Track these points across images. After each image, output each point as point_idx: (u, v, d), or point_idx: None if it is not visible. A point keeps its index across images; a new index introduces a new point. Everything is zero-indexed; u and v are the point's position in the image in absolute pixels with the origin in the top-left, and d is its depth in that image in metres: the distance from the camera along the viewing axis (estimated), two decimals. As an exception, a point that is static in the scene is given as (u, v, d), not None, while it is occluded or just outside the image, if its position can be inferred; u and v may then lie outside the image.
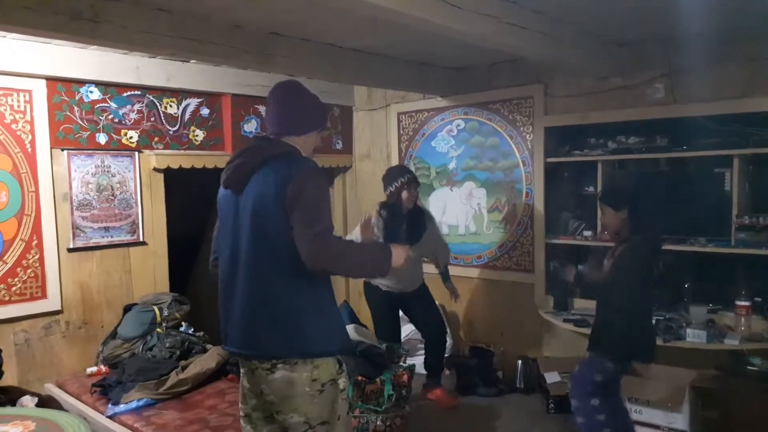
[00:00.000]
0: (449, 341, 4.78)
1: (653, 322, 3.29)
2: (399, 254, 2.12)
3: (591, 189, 4.26)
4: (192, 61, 4.28)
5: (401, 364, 3.43)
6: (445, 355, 4.66)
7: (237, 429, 2.75)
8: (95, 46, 3.77)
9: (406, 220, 3.99)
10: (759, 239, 3.47)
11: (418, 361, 4.42)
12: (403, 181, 3.94)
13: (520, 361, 4.38)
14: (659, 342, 3.51)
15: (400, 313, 4.28)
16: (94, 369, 3.81)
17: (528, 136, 4.45)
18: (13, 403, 3.25)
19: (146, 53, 3.37)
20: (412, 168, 5.15)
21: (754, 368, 3.21)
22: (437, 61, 4.46)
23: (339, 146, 5.47)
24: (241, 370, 2.21)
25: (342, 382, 2.12)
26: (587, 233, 4.23)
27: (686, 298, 3.77)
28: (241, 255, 2.07)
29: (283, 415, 2.06)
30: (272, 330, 2.02)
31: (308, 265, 1.96)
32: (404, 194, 3.94)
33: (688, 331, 3.44)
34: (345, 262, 2.03)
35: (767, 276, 3.55)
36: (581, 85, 4.16)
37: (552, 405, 3.95)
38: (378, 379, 3.24)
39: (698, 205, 3.83)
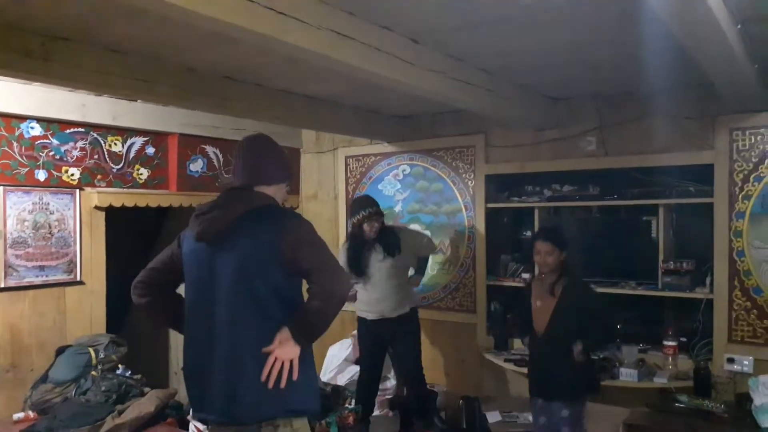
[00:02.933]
0: (392, 381, 4.81)
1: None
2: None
3: (528, 234, 4.47)
4: (139, 101, 4.26)
5: (347, 406, 3.43)
6: (387, 398, 4.69)
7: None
8: (38, 83, 3.71)
9: (375, 243, 4.04)
10: (682, 283, 3.73)
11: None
12: (365, 214, 3.98)
13: (462, 401, 4.44)
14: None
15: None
16: (21, 415, 3.59)
17: (470, 182, 4.64)
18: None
19: (98, 93, 3.34)
20: (358, 210, 5.25)
21: (682, 405, 3.40)
22: (384, 108, 4.62)
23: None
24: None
25: None
26: (525, 275, 4.40)
27: (618, 339, 3.97)
28: (220, 313, 1.99)
29: None
30: (261, 390, 1.93)
31: (336, 293, 1.95)
32: (365, 227, 4.00)
33: (621, 370, 3.63)
34: (336, 312, 2.02)
35: (691, 317, 3.81)
36: (519, 137, 4.40)
37: (494, 444, 4.01)
38: (323, 421, 3.23)
39: (628, 251, 4.09)
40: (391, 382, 4.84)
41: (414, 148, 4.91)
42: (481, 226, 4.61)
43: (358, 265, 4.04)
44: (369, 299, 4.10)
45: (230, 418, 1.98)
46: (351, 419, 3.38)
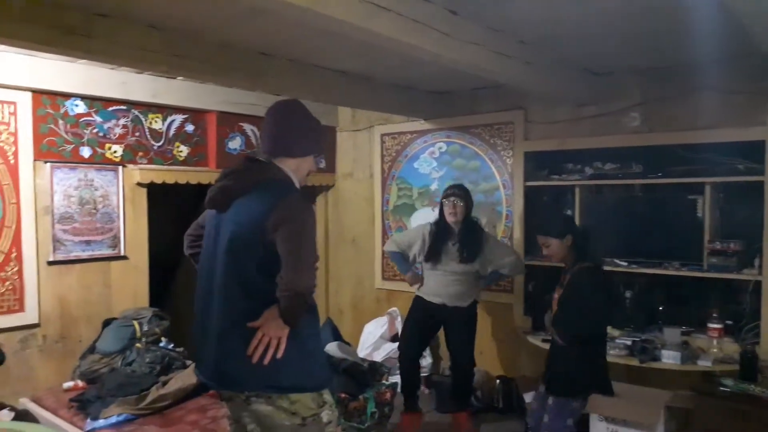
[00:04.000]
0: (429, 360, 4.82)
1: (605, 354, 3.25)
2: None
3: (569, 212, 4.37)
4: (179, 78, 4.31)
5: (384, 382, 3.45)
6: (423, 375, 4.71)
7: (220, 444, 2.77)
8: (83, 60, 3.79)
9: (456, 236, 3.95)
10: (729, 264, 3.60)
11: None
12: (447, 192, 3.98)
13: (498, 381, 4.43)
14: (635, 363, 3.62)
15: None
16: (70, 384, 3.75)
17: (508, 159, 4.56)
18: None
19: (136, 69, 3.39)
20: (394, 188, 5.23)
21: (727, 389, 3.30)
22: (421, 84, 4.57)
23: (322, 165, 5.52)
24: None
25: (326, 415, 2.02)
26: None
27: (660, 321, 3.88)
28: (216, 279, 2.00)
29: None
30: (244, 362, 1.91)
31: (284, 289, 1.89)
32: (446, 205, 3.95)
33: (663, 352, 3.54)
34: (305, 302, 1.96)
35: (738, 300, 3.68)
36: (559, 113, 4.29)
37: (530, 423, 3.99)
38: (361, 397, 3.26)
39: (672, 231, 3.96)
40: (427, 360, 4.85)
41: (451, 125, 4.84)
42: (519, 205, 4.53)
43: (434, 251, 3.96)
44: (432, 288, 4.02)
45: (219, 384, 2.03)
46: (388, 395, 3.40)
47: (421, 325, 4.08)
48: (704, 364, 3.47)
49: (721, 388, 3.32)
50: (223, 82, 3.72)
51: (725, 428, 3.25)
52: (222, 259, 1.99)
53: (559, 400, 3.05)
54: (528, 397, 4.11)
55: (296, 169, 2.13)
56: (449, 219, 3.95)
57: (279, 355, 1.92)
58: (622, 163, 4.08)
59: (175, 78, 4.30)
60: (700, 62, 3.60)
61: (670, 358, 3.50)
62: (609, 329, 3.99)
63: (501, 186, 4.61)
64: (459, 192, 3.96)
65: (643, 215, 4.10)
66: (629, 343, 3.68)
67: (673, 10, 2.67)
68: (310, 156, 2.17)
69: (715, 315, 3.61)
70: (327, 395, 2.07)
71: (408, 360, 4.06)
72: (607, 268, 4.01)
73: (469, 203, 4.00)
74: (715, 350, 3.57)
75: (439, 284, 3.99)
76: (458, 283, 3.96)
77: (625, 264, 3.98)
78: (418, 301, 4.13)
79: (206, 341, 2.01)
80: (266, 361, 1.91)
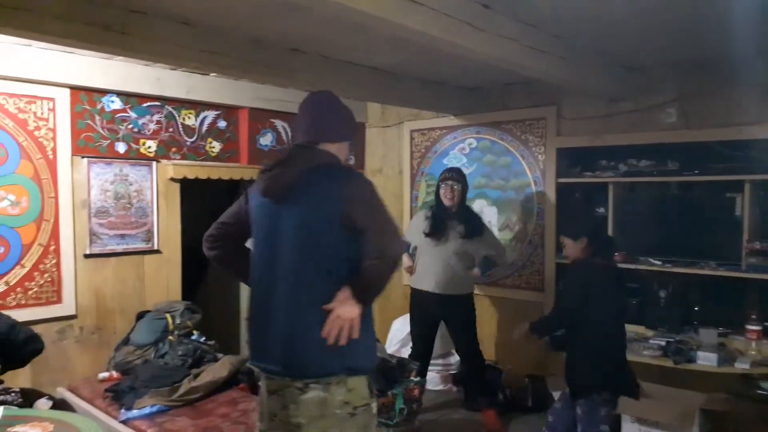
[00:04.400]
0: (456, 357, 4.79)
1: (624, 355, 3.20)
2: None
3: (602, 210, 4.30)
4: (212, 75, 4.37)
5: (412, 378, 3.45)
6: (451, 373, 4.70)
7: (250, 436, 2.80)
8: (119, 57, 3.86)
9: (453, 217, 4.07)
10: (770, 264, 3.50)
11: (428, 376, 4.46)
12: (444, 176, 4.13)
13: (528, 380, 4.39)
14: (670, 364, 3.54)
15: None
16: (105, 374, 3.83)
17: (540, 156, 4.50)
18: (30, 405, 3.28)
19: (170, 65, 3.44)
20: (423, 184, 5.22)
21: (764, 392, 3.21)
22: (451, 80, 4.54)
23: (351, 161, 5.54)
24: (263, 390, 2.13)
25: (375, 406, 2.08)
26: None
27: (696, 322, 3.79)
28: (282, 267, 2.01)
29: None
30: (321, 347, 1.93)
31: (375, 257, 1.94)
32: (441, 191, 4.09)
33: (699, 353, 3.46)
34: (396, 268, 2.05)
35: (778, 301, 3.58)
36: (593, 108, 4.22)
37: (560, 424, 3.94)
38: (389, 393, 3.26)
39: (709, 229, 3.86)
40: (455, 358, 4.84)
41: (481, 121, 4.80)
42: (551, 202, 4.47)
43: (438, 226, 4.06)
44: (427, 270, 4.08)
45: (288, 370, 1.99)
46: (416, 391, 3.39)
47: (423, 323, 4.19)
48: (742, 366, 3.38)
49: (759, 392, 3.24)
50: (254, 78, 3.75)
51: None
52: (290, 246, 2.00)
53: (587, 406, 3.01)
54: (557, 395, 4.07)
55: (337, 154, 2.16)
56: (446, 202, 4.07)
57: (355, 335, 1.95)
58: (658, 160, 3.99)
59: (208, 74, 4.36)
60: (739, 56, 3.50)
61: (705, 360, 3.42)
62: (642, 329, 3.94)
63: (532, 183, 4.56)
64: (456, 176, 4.10)
65: (679, 214, 4.00)
66: (663, 343, 3.61)
67: (711, 1, 2.60)
68: (346, 142, 2.22)
69: (753, 316, 3.52)
70: (374, 388, 2.11)
71: (422, 356, 4.12)
72: (641, 267, 3.97)
73: (465, 187, 4.13)
74: (753, 352, 3.48)
75: (436, 266, 4.02)
76: (454, 266, 4.02)
77: (659, 263, 3.91)
78: (414, 295, 4.19)
79: (273, 329, 2.02)
80: (343, 342, 1.93)
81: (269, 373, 2.08)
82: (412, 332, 4.28)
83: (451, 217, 4.08)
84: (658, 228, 4.08)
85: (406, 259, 4.18)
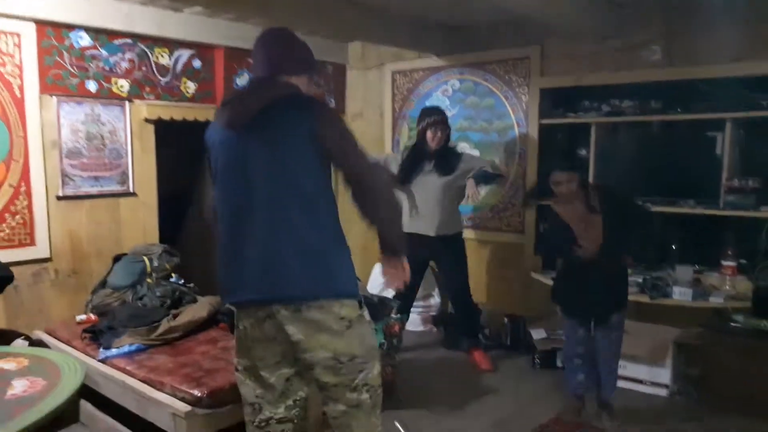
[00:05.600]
0: (437, 299, 4.84)
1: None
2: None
3: (584, 152, 4.29)
4: (185, 11, 4.19)
5: (392, 315, 3.46)
6: (432, 314, 4.74)
7: (230, 372, 2.78)
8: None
9: (434, 157, 3.98)
10: (747, 201, 3.54)
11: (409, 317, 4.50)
12: (429, 121, 3.97)
13: (506, 319, 4.45)
14: (645, 299, 3.60)
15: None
16: (83, 317, 3.78)
17: (523, 97, 4.45)
18: (7, 345, 3.23)
19: None
20: (405, 128, 5.15)
21: (737, 325, 3.30)
22: (435, 17, 4.42)
23: (331, 105, 5.43)
24: (243, 322, 2.12)
25: (366, 314, 2.12)
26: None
27: (673, 259, 3.84)
28: (256, 197, 1.99)
29: (310, 352, 2.02)
30: (303, 270, 1.96)
31: (373, 191, 2.01)
32: (428, 134, 3.96)
33: (675, 288, 3.52)
34: (391, 194, 2.11)
35: (753, 238, 3.63)
36: (578, 47, 4.16)
37: (538, 360, 4.03)
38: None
39: (689, 169, 3.89)
40: (435, 300, 4.88)
41: (465, 62, 4.72)
42: (533, 144, 4.45)
43: (407, 174, 3.99)
44: (420, 215, 4.04)
45: (276, 296, 1.99)
46: (397, 327, 3.42)
47: (412, 264, 4.04)
48: (716, 300, 3.45)
49: (732, 324, 3.32)
50: (229, 11, 3.59)
51: (735, 364, 3.26)
52: (264, 175, 1.98)
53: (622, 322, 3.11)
54: (536, 334, 4.14)
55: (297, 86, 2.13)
56: (432, 145, 3.97)
57: (406, 278, 2.22)
58: (641, 100, 3.97)
59: (181, 11, 4.19)
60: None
61: (681, 295, 3.48)
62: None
63: (515, 124, 4.52)
64: (441, 119, 3.99)
65: (660, 154, 4.03)
66: (640, 280, 3.65)
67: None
68: (305, 76, 2.18)
69: (729, 253, 3.57)
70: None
71: (406, 297, 4.08)
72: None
73: (449, 128, 4.05)
74: (727, 287, 3.55)
75: (423, 208, 3.99)
76: (439, 210, 3.97)
77: (639, 203, 3.91)
78: (409, 237, 4.08)
79: (250, 260, 2.00)
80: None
81: (254, 305, 2.06)
82: None
83: (427, 158, 4.00)
84: (639, 168, 4.10)
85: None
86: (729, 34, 3.57)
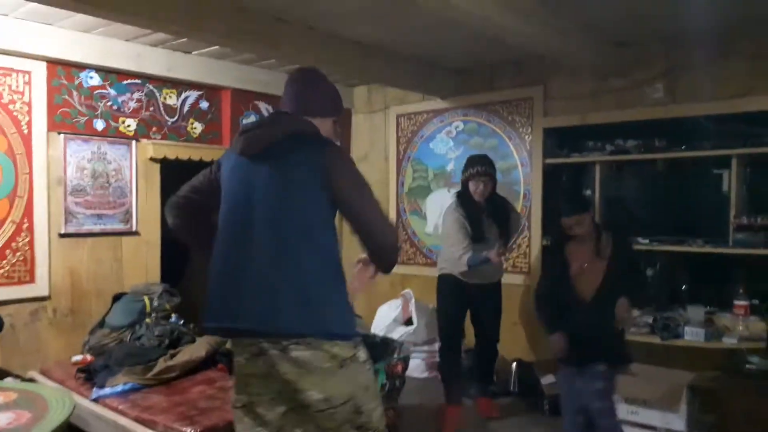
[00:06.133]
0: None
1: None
2: None
3: (589, 192, 4.26)
4: (194, 53, 4.29)
5: (395, 355, 3.36)
6: (437, 360, 4.60)
7: (226, 411, 2.69)
8: (98, 31, 3.77)
9: (485, 211, 3.77)
10: (757, 239, 3.47)
11: (413, 363, 4.37)
12: (472, 172, 3.72)
13: (515, 364, 4.31)
14: (657, 340, 3.49)
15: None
16: (79, 357, 3.69)
17: (527, 137, 4.46)
18: (-4, 382, 3.16)
19: (148, 29, 3.30)
20: (409, 170, 5.16)
21: (753, 366, 3.17)
22: (439, 61, 4.49)
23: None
24: (238, 357, 2.03)
25: (362, 354, 2.00)
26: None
27: (683, 300, 3.74)
28: (256, 226, 1.94)
29: (303, 393, 1.92)
30: (293, 305, 1.88)
31: (388, 253, 2.01)
32: (471, 185, 3.74)
33: (687, 329, 3.41)
34: (395, 252, 2.08)
35: (765, 277, 3.54)
36: (581, 87, 4.19)
37: (547, 406, 3.88)
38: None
39: (696, 207, 3.84)
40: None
41: (468, 103, 4.76)
42: (537, 184, 4.43)
43: (479, 231, 3.70)
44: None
45: (263, 328, 1.90)
46: (399, 368, 3.31)
47: (459, 305, 3.86)
48: (730, 341, 3.33)
49: (748, 366, 3.19)
50: (237, 46, 3.64)
51: (752, 407, 3.12)
52: (270, 205, 1.94)
53: (610, 376, 2.88)
54: (545, 379, 4.01)
55: (319, 128, 2.10)
56: (476, 197, 3.75)
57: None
58: (645, 139, 3.96)
59: (190, 53, 4.28)
60: (727, 26, 3.47)
61: (693, 335, 3.38)
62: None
63: (519, 164, 4.51)
64: (485, 170, 3.72)
65: (666, 192, 3.99)
66: (650, 320, 3.55)
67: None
68: (330, 119, 2.16)
69: (741, 292, 3.47)
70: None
71: (453, 346, 3.87)
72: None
73: (495, 179, 3.82)
74: (740, 328, 3.44)
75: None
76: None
77: (646, 242, 3.85)
78: (449, 280, 3.83)
79: (247, 287, 1.93)
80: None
81: (238, 333, 1.98)
82: (446, 316, 3.91)
83: (485, 214, 3.79)
84: (645, 207, 4.06)
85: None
86: (731, 70, 3.58)
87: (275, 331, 1.91)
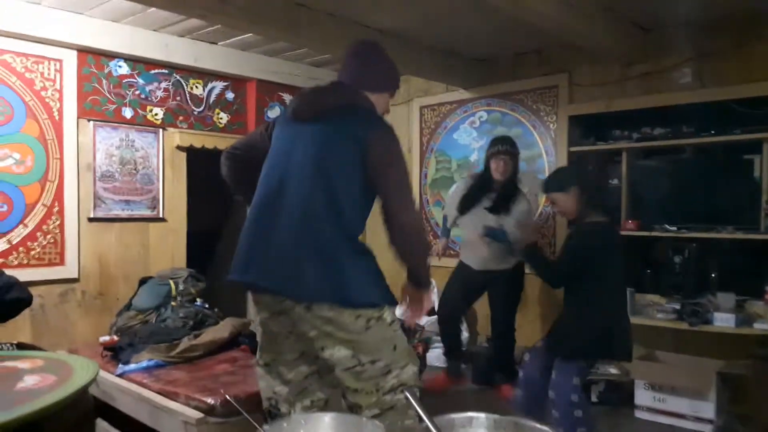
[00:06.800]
0: (465, 334, 4.68)
1: (627, 318, 2.87)
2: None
3: (615, 182, 4.18)
4: (220, 43, 4.36)
5: (416, 337, 3.35)
6: (464, 348, 4.57)
7: (248, 384, 2.71)
8: (127, 20, 3.86)
9: (495, 191, 3.84)
10: (790, 224, 3.36)
11: (434, 353, 4.36)
12: (493, 151, 3.82)
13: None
14: (685, 326, 3.41)
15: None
16: (107, 338, 3.75)
17: (552, 125, 4.41)
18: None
19: (172, 11, 3.34)
20: (433, 161, 5.15)
21: (786, 352, 3.07)
22: (462, 50, 4.48)
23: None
24: (261, 315, 2.06)
25: (388, 315, 1.98)
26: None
27: (713, 288, 3.65)
28: (293, 186, 1.96)
29: (328, 350, 1.93)
30: (317, 271, 1.88)
31: (404, 229, 1.97)
32: (492, 164, 3.81)
33: (716, 315, 3.32)
34: (422, 239, 2.11)
35: (799, 264, 3.44)
36: (606, 73, 4.13)
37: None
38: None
39: (726, 193, 3.74)
40: (463, 335, 4.71)
41: (492, 93, 4.73)
42: (562, 173, 4.37)
43: (465, 203, 3.89)
44: (467, 244, 3.99)
45: (287, 290, 1.92)
46: (420, 349, 3.30)
47: (464, 286, 3.98)
48: (761, 326, 3.23)
49: (781, 352, 3.09)
50: (259, 31, 3.67)
51: (785, 394, 3.02)
52: (308, 169, 1.96)
53: (564, 372, 2.71)
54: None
55: (375, 104, 2.10)
56: (496, 176, 3.81)
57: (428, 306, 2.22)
58: (673, 124, 3.88)
59: (216, 43, 4.35)
60: (756, 9, 3.39)
61: (723, 321, 3.28)
62: (657, 298, 3.81)
63: (544, 153, 4.47)
64: (506, 149, 3.80)
65: (696, 179, 3.89)
66: (678, 306, 3.46)
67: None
68: (387, 93, 2.17)
69: (773, 278, 3.37)
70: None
71: (449, 320, 4.01)
72: (655, 234, 3.84)
73: (517, 162, 3.88)
74: (773, 315, 3.33)
75: (475, 245, 3.85)
76: (484, 242, 3.77)
77: (674, 229, 3.77)
78: (461, 266, 4.04)
79: (274, 246, 1.94)
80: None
81: (260, 290, 2.01)
82: (446, 294, 4.04)
83: (491, 190, 3.85)
84: (674, 195, 3.96)
85: (440, 242, 4.23)
86: (760, 52, 3.50)
87: (296, 297, 1.92)
